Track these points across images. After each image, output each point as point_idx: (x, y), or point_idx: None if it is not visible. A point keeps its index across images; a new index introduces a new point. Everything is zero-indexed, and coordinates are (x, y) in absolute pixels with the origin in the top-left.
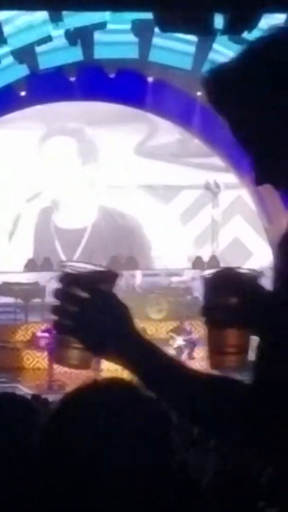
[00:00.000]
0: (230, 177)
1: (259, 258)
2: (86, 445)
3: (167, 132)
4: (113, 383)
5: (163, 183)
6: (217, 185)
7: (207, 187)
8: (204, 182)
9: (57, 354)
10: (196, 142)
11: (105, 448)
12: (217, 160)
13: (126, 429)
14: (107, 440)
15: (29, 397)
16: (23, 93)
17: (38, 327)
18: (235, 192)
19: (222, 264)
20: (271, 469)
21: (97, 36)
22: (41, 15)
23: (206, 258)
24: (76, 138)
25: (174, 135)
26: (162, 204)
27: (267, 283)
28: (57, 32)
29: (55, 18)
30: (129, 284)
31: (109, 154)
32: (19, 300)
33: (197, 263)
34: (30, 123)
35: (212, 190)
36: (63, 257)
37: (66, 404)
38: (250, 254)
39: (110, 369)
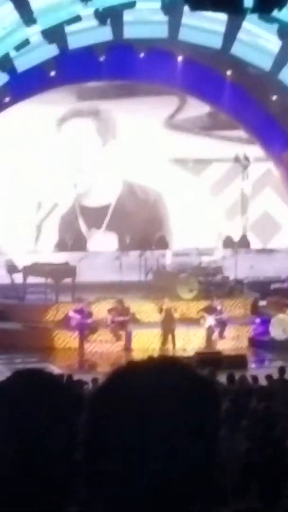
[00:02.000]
0: (259, 150)
1: None
2: (131, 421)
3: (197, 105)
4: (167, 362)
5: (192, 156)
6: (246, 158)
7: (236, 160)
8: (233, 155)
9: None
10: (225, 115)
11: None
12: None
13: (178, 408)
14: (159, 417)
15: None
16: (52, 73)
17: (69, 307)
18: (265, 164)
19: (253, 238)
20: None
21: (127, 15)
22: None
23: (236, 235)
24: (93, 119)
25: (204, 108)
26: (191, 178)
27: None
28: (86, 12)
29: None
30: (160, 263)
31: (138, 127)
32: (50, 280)
33: (228, 242)
34: (58, 97)
35: (242, 163)
36: (87, 236)
37: (117, 379)
38: (279, 227)
39: (140, 348)
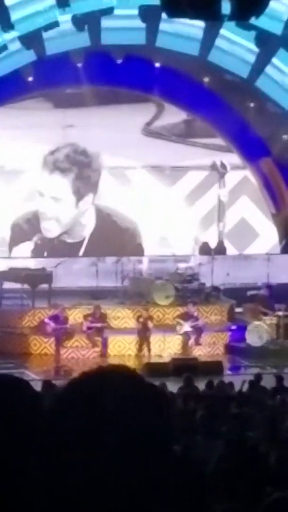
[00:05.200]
0: (236, 158)
1: (265, 239)
2: (88, 430)
3: (174, 112)
4: (117, 372)
5: (169, 163)
6: (223, 166)
7: (213, 167)
8: (210, 162)
9: None
10: (202, 122)
11: (105, 433)
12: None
13: (127, 416)
14: (108, 426)
15: (38, 383)
16: (30, 79)
17: (45, 312)
18: (241, 172)
19: (229, 246)
20: (279, 453)
21: (104, 21)
22: (48, 0)
23: (213, 242)
24: (70, 177)
25: (181, 115)
26: (168, 185)
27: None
28: (64, 18)
29: (62, 4)
30: (136, 270)
31: (115, 134)
32: (26, 286)
33: (204, 248)
34: (36, 104)
35: (219, 170)
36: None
37: (72, 389)
38: (256, 234)
39: (116, 354)
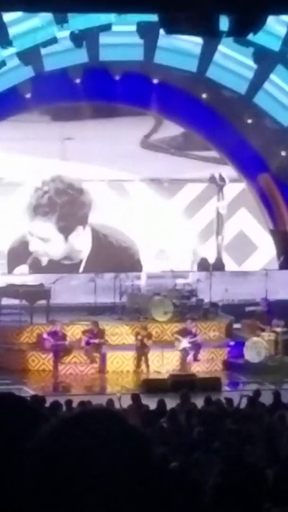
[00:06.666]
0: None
1: (264, 252)
2: (75, 470)
3: (173, 125)
4: (102, 414)
5: (168, 176)
6: (222, 178)
7: (212, 180)
8: (209, 175)
9: None
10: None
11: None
12: None
13: (112, 455)
14: (95, 465)
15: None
16: (28, 95)
17: (43, 329)
18: (240, 185)
19: (228, 259)
20: (277, 469)
21: (103, 38)
22: (46, 17)
23: (211, 255)
24: (53, 219)
25: (180, 128)
26: (167, 197)
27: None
28: (62, 34)
29: (60, 20)
30: (135, 286)
31: (114, 147)
32: (24, 302)
33: (203, 264)
34: (34, 116)
35: (217, 183)
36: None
37: (61, 431)
38: (255, 247)
39: (115, 370)
